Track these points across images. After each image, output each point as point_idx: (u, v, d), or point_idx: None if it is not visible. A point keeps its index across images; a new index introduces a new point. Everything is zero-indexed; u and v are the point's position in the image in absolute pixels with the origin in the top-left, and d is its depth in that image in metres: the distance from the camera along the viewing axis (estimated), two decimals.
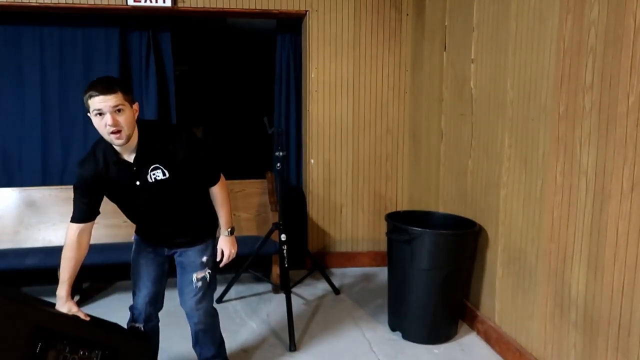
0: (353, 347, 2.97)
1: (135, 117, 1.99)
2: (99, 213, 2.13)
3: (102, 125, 1.89)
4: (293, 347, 2.92)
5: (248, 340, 3.04)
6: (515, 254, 2.73)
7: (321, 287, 3.87)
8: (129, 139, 1.96)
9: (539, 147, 2.50)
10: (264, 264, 3.97)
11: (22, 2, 3.72)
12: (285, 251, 3.42)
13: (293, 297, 3.48)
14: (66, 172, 4.17)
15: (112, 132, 1.89)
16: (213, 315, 2.44)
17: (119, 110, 1.89)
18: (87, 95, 1.88)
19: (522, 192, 2.65)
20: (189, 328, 2.45)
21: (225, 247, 2.38)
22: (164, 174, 2.07)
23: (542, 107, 2.47)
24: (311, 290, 3.84)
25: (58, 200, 3.88)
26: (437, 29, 3.73)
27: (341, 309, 3.51)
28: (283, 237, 3.42)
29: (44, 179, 4.13)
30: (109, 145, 2.01)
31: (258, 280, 3.92)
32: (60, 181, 4.13)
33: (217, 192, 2.28)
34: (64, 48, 4.07)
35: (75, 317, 2.01)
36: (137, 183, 2.07)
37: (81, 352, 1.93)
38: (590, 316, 2.17)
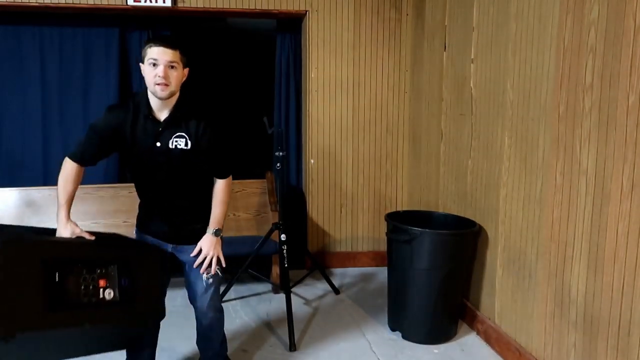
0: (353, 347, 2.97)
1: (182, 81, 2.07)
2: (92, 165, 2.15)
3: (152, 75, 1.97)
4: (293, 347, 2.92)
5: (248, 340, 3.04)
6: (515, 254, 2.73)
7: (321, 287, 3.87)
8: (171, 95, 2.03)
9: (539, 147, 2.51)
10: (264, 264, 3.97)
11: (22, 2, 3.72)
12: (285, 251, 3.42)
13: (293, 297, 3.48)
14: None
15: (159, 84, 1.97)
16: (220, 312, 2.43)
17: (172, 67, 1.98)
18: (148, 45, 2.00)
19: (522, 192, 2.65)
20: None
21: (205, 245, 2.19)
22: (186, 144, 2.09)
23: (542, 107, 2.47)
24: (311, 290, 3.84)
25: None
26: (437, 29, 3.73)
27: (341, 309, 3.51)
28: (283, 237, 3.42)
29: (45, 179, 4.13)
30: (144, 100, 2.07)
31: (258, 280, 3.91)
32: None
33: (221, 188, 2.22)
34: (64, 48, 4.08)
35: (80, 239, 1.98)
36: (158, 144, 2.07)
37: (98, 271, 1.91)
38: (590, 316, 2.17)
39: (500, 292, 2.90)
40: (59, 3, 3.77)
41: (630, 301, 1.95)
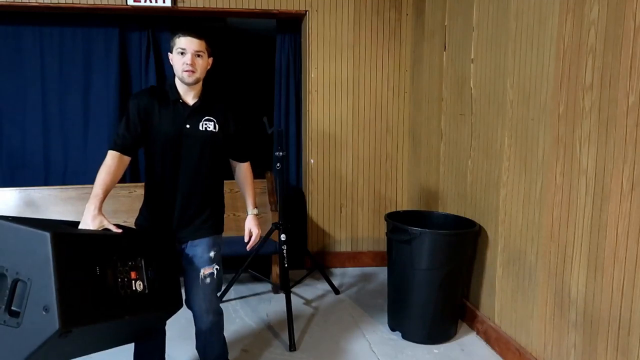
0: (353, 347, 2.97)
1: (207, 69, 2.21)
2: (134, 155, 2.20)
3: (180, 62, 2.12)
4: (293, 347, 2.92)
5: (248, 340, 3.04)
6: (515, 254, 2.73)
7: (321, 287, 3.87)
8: (197, 81, 2.17)
9: (539, 147, 2.51)
10: (264, 264, 3.97)
11: (22, 2, 3.72)
12: (285, 251, 3.42)
13: (293, 297, 3.48)
14: (67, 171, 4.18)
15: (186, 70, 2.11)
16: (220, 314, 2.38)
17: (198, 55, 2.13)
18: (177, 35, 2.14)
19: (522, 192, 2.65)
20: (191, 327, 2.43)
21: (254, 226, 2.40)
22: (214, 127, 2.22)
23: (542, 107, 2.47)
24: (311, 290, 3.84)
25: (58, 200, 3.88)
26: (437, 29, 3.73)
27: (341, 309, 3.51)
28: (283, 237, 3.42)
29: (46, 179, 4.14)
30: (172, 86, 2.20)
31: (258, 280, 3.92)
32: (62, 181, 4.13)
33: (247, 172, 2.42)
34: (64, 48, 4.08)
35: (108, 232, 1.96)
36: (187, 126, 2.17)
37: (130, 263, 1.92)
38: (590, 316, 2.17)
39: (500, 292, 2.90)
40: (59, 3, 3.77)
41: (630, 301, 1.95)
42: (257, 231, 2.39)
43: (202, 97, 2.22)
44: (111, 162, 2.09)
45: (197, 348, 2.47)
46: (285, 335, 3.02)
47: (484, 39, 3.03)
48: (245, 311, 3.45)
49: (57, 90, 4.10)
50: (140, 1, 3.80)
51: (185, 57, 2.10)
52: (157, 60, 4.22)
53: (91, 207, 1.98)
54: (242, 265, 3.60)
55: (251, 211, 2.41)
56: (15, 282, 1.63)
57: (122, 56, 4.17)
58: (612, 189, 2.03)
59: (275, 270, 3.79)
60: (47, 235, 1.61)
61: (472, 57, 3.18)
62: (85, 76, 4.13)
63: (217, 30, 6.03)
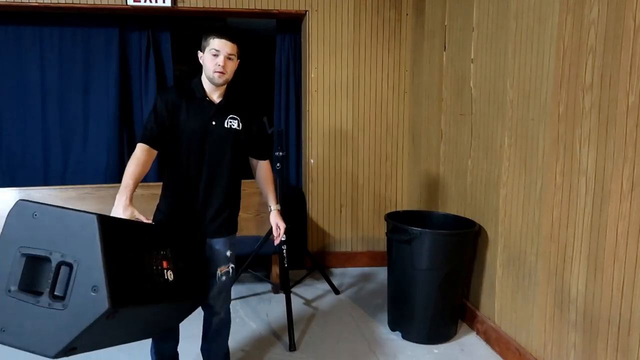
0: (353, 347, 2.97)
1: (234, 71, 2.27)
2: (161, 148, 2.22)
3: (213, 63, 2.16)
4: (293, 347, 2.92)
5: (248, 340, 3.04)
6: (515, 254, 2.73)
7: (321, 287, 3.87)
8: (226, 82, 2.24)
9: (538, 147, 2.51)
10: (264, 264, 3.97)
11: (22, 2, 3.72)
12: (285, 251, 3.42)
13: (293, 297, 3.48)
14: (67, 171, 4.18)
15: (217, 71, 2.16)
16: (229, 314, 2.43)
17: (229, 58, 2.19)
18: (211, 35, 2.18)
19: (522, 192, 2.65)
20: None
21: (280, 221, 2.45)
22: (238, 125, 2.28)
23: (542, 107, 2.47)
24: (311, 290, 3.84)
25: (58, 200, 3.88)
26: (437, 29, 3.73)
27: (341, 309, 3.51)
28: (283, 237, 3.41)
29: (46, 179, 4.14)
30: (199, 84, 2.25)
31: (258, 280, 3.92)
32: (62, 181, 4.13)
33: (267, 169, 2.47)
34: (64, 48, 4.08)
35: (140, 222, 1.98)
36: (213, 123, 2.22)
37: (162, 252, 1.94)
38: (590, 316, 2.17)
39: (500, 292, 2.90)
40: (59, 3, 3.77)
41: (630, 301, 1.95)
42: (283, 225, 2.46)
43: (227, 96, 2.28)
44: (140, 154, 2.13)
45: (202, 349, 2.48)
46: (285, 335, 3.02)
47: (484, 39, 3.03)
48: (245, 311, 3.45)
49: (57, 90, 4.10)
50: (140, 1, 3.80)
51: (218, 58, 2.15)
52: (157, 60, 4.22)
53: (122, 197, 2.00)
54: (242, 265, 3.59)
55: (274, 206, 2.47)
56: (59, 266, 1.64)
57: (122, 56, 4.17)
58: (612, 189, 2.03)
59: (275, 270, 3.79)
60: (94, 217, 1.63)
61: (472, 57, 3.18)
62: (85, 76, 4.13)
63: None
